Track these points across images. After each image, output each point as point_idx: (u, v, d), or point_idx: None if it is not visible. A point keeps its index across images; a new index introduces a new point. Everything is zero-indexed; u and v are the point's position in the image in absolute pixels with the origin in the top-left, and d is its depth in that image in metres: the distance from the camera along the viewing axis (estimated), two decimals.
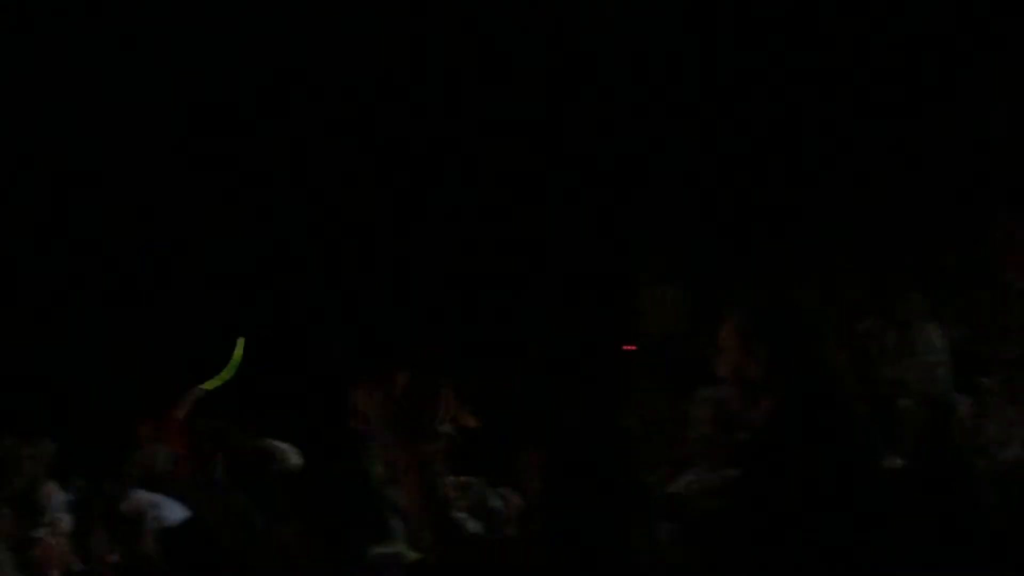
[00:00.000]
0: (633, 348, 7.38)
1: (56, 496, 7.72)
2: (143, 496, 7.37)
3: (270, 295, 11.86)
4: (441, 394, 4.56)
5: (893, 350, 10.44)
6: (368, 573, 5.32)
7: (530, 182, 12.05)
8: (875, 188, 11.86)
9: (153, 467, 7.70)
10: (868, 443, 4.42)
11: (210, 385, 6.78)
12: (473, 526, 5.91)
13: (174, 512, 7.15)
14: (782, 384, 4.34)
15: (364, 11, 12.54)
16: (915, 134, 11.80)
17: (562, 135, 12.02)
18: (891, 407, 8.65)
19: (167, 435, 6.64)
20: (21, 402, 9.57)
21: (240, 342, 6.46)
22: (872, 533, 4.22)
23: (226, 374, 7.07)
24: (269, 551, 5.53)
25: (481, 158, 12.32)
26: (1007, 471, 7.49)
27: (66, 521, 7.04)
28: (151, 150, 12.67)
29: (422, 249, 11.80)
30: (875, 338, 10.41)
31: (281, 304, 11.84)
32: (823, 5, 12.01)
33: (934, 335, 10.52)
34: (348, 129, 12.61)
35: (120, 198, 12.45)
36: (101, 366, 11.41)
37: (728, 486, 5.03)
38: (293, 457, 6.29)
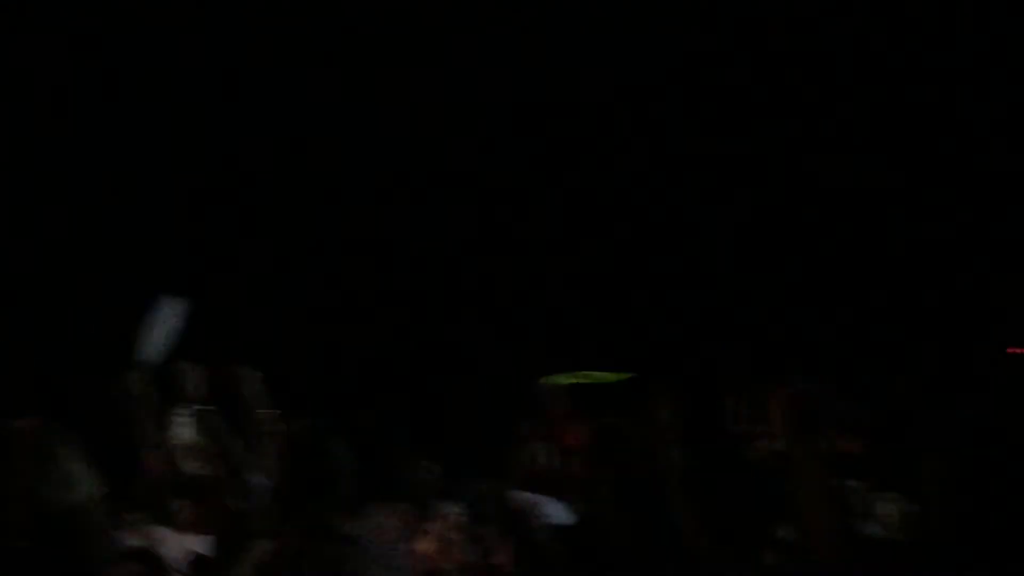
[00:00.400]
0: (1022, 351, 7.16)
1: (444, 497, 7.91)
2: (526, 496, 7.51)
3: (663, 305, 11.99)
4: (835, 399, 4.53)
5: None
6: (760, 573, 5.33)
7: (906, 197, 11.85)
8: None
9: (535, 466, 7.85)
10: None
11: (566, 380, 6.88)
12: (867, 530, 5.84)
13: (556, 511, 7.27)
14: None
15: None
16: None
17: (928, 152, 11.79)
18: None
19: (558, 433, 6.81)
20: (408, 413, 9.92)
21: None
22: None
23: (593, 378, 7.17)
24: (661, 551, 5.59)
25: (842, 175, 12.17)
26: None
27: (457, 517, 7.21)
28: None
29: (813, 254, 11.75)
30: None
31: (669, 307, 11.96)
32: None
33: None
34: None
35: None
36: (484, 367, 11.71)
37: None
38: (678, 456, 6.31)
